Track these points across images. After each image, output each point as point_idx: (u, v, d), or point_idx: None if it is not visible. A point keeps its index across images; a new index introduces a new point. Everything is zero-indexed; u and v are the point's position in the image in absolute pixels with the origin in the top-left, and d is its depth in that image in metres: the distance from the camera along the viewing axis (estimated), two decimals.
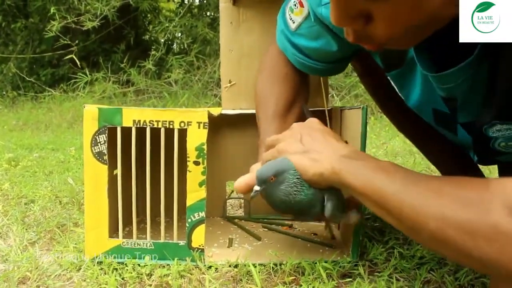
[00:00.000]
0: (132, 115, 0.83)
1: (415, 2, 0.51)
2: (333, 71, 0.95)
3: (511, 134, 0.66)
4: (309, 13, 0.84)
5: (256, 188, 0.71)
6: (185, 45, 4.17)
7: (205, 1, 4.67)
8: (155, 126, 0.83)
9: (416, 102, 0.79)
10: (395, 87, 0.84)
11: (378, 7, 0.53)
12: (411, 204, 0.57)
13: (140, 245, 0.86)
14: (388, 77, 0.84)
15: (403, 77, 0.79)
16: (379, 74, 0.93)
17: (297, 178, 0.69)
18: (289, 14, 0.89)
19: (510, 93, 0.60)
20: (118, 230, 0.87)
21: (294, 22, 0.88)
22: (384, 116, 2.92)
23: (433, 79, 0.67)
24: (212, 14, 4.64)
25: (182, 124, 0.83)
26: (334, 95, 3.29)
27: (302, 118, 0.89)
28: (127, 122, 0.83)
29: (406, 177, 0.61)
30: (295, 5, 0.87)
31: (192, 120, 0.82)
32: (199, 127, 0.83)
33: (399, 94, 0.86)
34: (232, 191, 1.25)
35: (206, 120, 0.83)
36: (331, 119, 1.08)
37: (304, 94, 0.96)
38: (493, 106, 0.64)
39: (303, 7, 0.85)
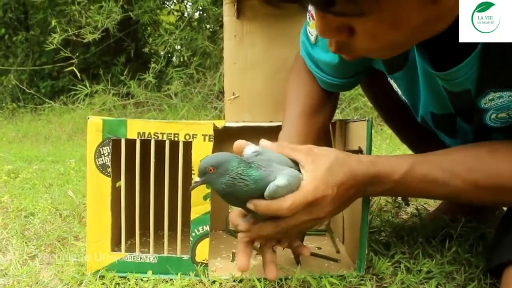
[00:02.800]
0: (136, 127, 0.82)
1: (394, 20, 0.53)
2: (346, 87, 0.96)
3: (502, 104, 0.66)
4: None
5: (196, 179, 0.69)
6: (185, 58, 4.18)
7: (205, 15, 4.69)
8: (160, 138, 0.82)
9: (420, 104, 0.80)
10: (398, 91, 0.84)
11: (359, 23, 0.55)
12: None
13: (143, 259, 0.84)
14: (392, 81, 0.84)
15: (407, 78, 0.79)
16: (381, 83, 0.94)
17: (241, 169, 0.67)
18: (308, 27, 0.90)
19: (503, 57, 0.60)
20: (120, 244, 0.86)
21: (312, 35, 0.90)
22: (385, 129, 2.93)
23: (443, 76, 0.68)
24: (212, 27, 4.66)
25: (187, 137, 0.82)
26: None
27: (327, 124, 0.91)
28: (131, 134, 0.83)
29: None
30: (309, 18, 0.88)
31: (197, 132, 0.82)
32: (204, 140, 0.82)
33: (403, 98, 0.86)
34: None
35: (212, 132, 0.82)
36: (335, 131, 1.08)
37: (330, 101, 0.97)
38: (486, 76, 0.65)
39: (314, 20, 0.86)
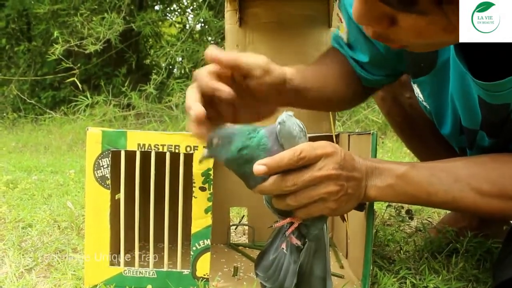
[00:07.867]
0: (136, 139, 0.81)
1: (449, 26, 0.50)
2: (378, 83, 0.91)
3: None
4: (347, 29, 0.84)
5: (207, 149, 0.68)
6: (186, 70, 4.18)
7: (206, 27, 4.71)
8: (160, 150, 0.81)
9: (448, 110, 0.78)
10: (420, 96, 0.82)
11: (408, 18, 0.51)
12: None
13: (142, 274, 0.82)
14: (414, 86, 0.82)
15: (433, 82, 0.77)
16: (389, 86, 0.92)
17: (247, 136, 0.67)
18: (338, 32, 0.90)
19: None
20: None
21: (343, 38, 0.88)
22: (386, 142, 2.91)
23: (485, 87, 0.65)
24: (214, 39, 4.68)
25: (188, 149, 0.80)
26: (336, 120, 3.30)
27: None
28: (131, 146, 0.81)
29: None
30: (339, 22, 0.87)
31: (198, 144, 0.80)
32: None
33: (423, 104, 0.83)
34: (242, 217, 1.21)
35: None
36: (339, 144, 1.06)
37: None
38: None
39: (342, 22, 0.85)
